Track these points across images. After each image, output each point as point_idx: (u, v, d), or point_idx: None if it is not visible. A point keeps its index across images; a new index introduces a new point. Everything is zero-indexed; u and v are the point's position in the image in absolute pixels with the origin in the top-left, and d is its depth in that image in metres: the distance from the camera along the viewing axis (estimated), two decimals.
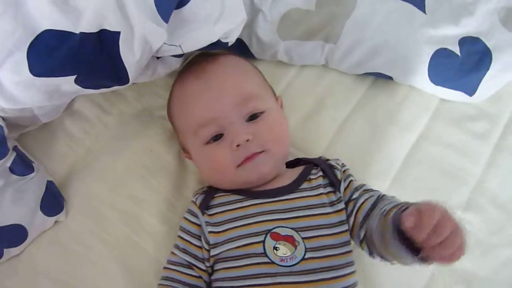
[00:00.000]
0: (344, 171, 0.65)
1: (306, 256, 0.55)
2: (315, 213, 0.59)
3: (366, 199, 0.60)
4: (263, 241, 0.56)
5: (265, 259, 0.55)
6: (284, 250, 0.55)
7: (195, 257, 0.60)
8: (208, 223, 0.60)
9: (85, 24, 0.52)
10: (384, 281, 0.68)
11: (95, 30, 0.53)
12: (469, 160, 0.76)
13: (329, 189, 0.62)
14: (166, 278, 0.60)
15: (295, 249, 0.55)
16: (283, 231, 0.56)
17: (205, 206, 0.62)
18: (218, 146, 0.61)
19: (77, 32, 0.52)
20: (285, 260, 0.54)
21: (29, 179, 0.66)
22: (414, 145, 0.77)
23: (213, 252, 0.58)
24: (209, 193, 0.64)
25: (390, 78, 0.78)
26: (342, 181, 0.62)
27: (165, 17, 0.55)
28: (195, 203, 0.64)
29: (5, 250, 0.65)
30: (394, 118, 0.78)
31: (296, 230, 0.56)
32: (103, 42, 0.54)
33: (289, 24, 0.75)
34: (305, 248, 0.55)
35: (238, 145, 0.60)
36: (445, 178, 0.74)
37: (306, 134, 0.77)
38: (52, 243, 0.68)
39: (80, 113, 0.76)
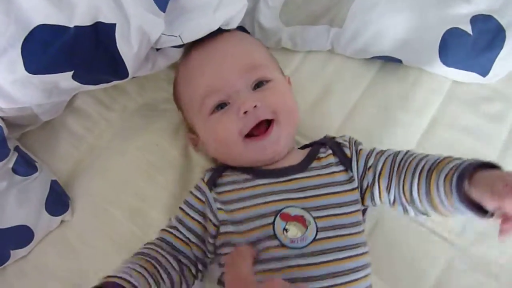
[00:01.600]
0: (352, 145, 0.62)
1: (317, 237, 0.53)
2: (326, 192, 0.57)
3: (384, 163, 0.58)
4: (273, 223, 0.54)
5: (276, 242, 0.53)
6: (294, 231, 0.53)
7: (188, 228, 0.59)
8: (216, 200, 0.59)
9: (79, 17, 0.50)
10: (399, 269, 0.66)
11: (90, 23, 0.51)
12: (484, 143, 0.73)
13: (340, 167, 0.60)
14: (158, 239, 0.58)
15: (306, 229, 0.53)
16: (293, 211, 0.54)
17: (212, 183, 0.60)
18: (223, 115, 0.59)
19: (72, 26, 0.51)
20: (296, 241, 0.53)
21: (33, 179, 0.65)
22: (426, 130, 0.74)
23: (223, 229, 0.57)
24: (218, 170, 0.62)
25: (400, 61, 0.75)
26: (353, 156, 0.60)
27: (162, 6, 0.53)
28: (203, 180, 0.62)
29: (12, 251, 0.64)
30: (405, 103, 0.76)
31: (307, 209, 0.55)
32: (99, 35, 0.52)
33: (292, 9, 0.73)
34: (317, 228, 0.54)
35: (245, 112, 0.57)
36: None
37: (313, 122, 0.75)
38: (59, 243, 0.67)
39: (82, 110, 0.74)
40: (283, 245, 0.53)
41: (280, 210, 0.55)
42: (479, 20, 0.71)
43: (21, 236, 0.64)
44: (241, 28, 0.74)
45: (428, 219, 0.68)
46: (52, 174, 0.69)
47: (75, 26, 0.50)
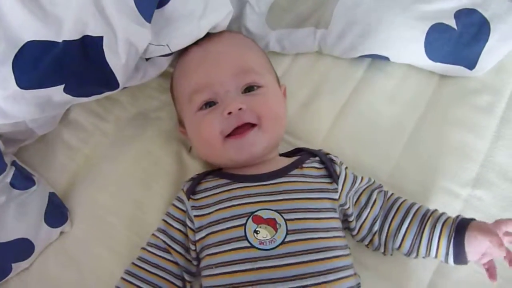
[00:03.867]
0: (341, 164, 0.64)
1: (286, 240, 0.54)
2: (301, 197, 0.58)
3: (376, 196, 0.63)
4: (245, 224, 0.55)
5: (246, 243, 0.54)
6: (264, 233, 0.54)
7: (172, 238, 0.61)
8: (194, 207, 0.60)
9: (67, 32, 0.52)
10: (392, 271, 0.66)
11: (77, 37, 0.53)
12: (475, 135, 0.73)
13: (322, 179, 0.61)
14: (140, 259, 0.61)
15: (276, 232, 0.54)
16: (265, 214, 0.56)
17: (191, 191, 0.62)
18: (209, 113, 0.61)
19: (60, 40, 0.52)
20: (264, 243, 0.54)
21: (31, 193, 0.66)
22: (416, 125, 0.75)
23: (198, 236, 0.58)
24: (196, 179, 0.64)
25: (387, 58, 0.76)
26: (341, 175, 0.62)
27: (147, 17, 0.54)
28: (183, 189, 0.64)
29: (13, 264, 0.65)
30: (394, 99, 0.77)
31: (280, 212, 0.56)
32: (87, 48, 0.54)
33: (278, 13, 0.74)
34: (287, 231, 0.54)
35: (229, 113, 0.59)
36: (452, 156, 0.72)
37: (305, 122, 0.76)
38: (59, 254, 0.68)
39: (77, 123, 0.76)
40: (252, 246, 0.54)
41: (253, 212, 0.56)
42: (463, 14, 0.72)
43: (22, 249, 0.65)
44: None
45: None
46: (50, 186, 0.70)
47: (63, 41, 0.52)
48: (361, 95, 0.77)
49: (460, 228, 0.57)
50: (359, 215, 0.62)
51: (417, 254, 0.60)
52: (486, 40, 0.72)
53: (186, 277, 0.61)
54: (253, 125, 0.60)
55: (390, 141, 0.74)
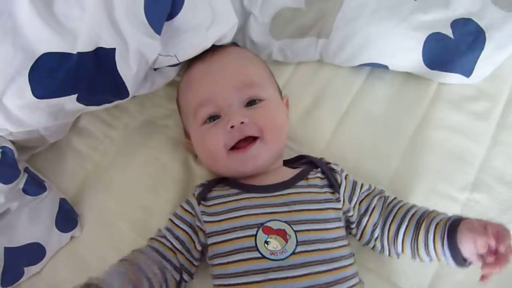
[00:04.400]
0: (341, 173, 0.65)
1: (296, 250, 0.55)
2: (310, 208, 0.59)
3: (376, 202, 0.63)
4: (255, 235, 0.56)
5: (256, 254, 0.55)
6: (274, 243, 0.55)
7: (176, 237, 0.62)
8: (204, 213, 0.61)
9: (82, 44, 0.54)
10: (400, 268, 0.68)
11: (91, 49, 0.54)
12: (472, 140, 0.75)
13: (326, 189, 0.63)
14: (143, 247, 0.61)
15: (286, 242, 0.55)
16: (275, 225, 0.57)
17: (202, 197, 0.63)
18: (213, 127, 0.62)
19: (75, 52, 0.54)
20: (276, 254, 0.55)
21: (43, 198, 0.68)
22: (415, 131, 0.77)
23: (210, 241, 0.59)
24: (208, 185, 0.65)
25: (386, 67, 0.78)
26: (342, 182, 0.63)
27: (157, 29, 0.56)
28: (193, 194, 0.65)
29: (25, 268, 0.66)
30: (393, 106, 0.79)
31: (289, 223, 0.57)
32: (100, 59, 0.55)
33: (280, 24, 0.77)
34: (297, 242, 0.55)
35: (232, 127, 0.60)
36: (450, 161, 0.74)
37: (307, 129, 0.77)
38: (70, 258, 0.70)
39: (86, 130, 0.77)
40: (263, 257, 0.55)
41: (263, 223, 0.57)
42: (459, 23, 0.74)
43: (34, 253, 0.66)
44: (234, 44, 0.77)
45: None
46: (61, 192, 0.72)
47: (78, 53, 0.54)
48: (361, 102, 0.79)
49: (453, 228, 0.55)
50: (359, 222, 0.63)
51: (420, 258, 0.60)
52: (482, 48, 0.74)
53: (184, 276, 0.62)
54: (255, 138, 0.62)
55: (390, 147, 0.76)
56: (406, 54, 0.76)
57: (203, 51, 0.67)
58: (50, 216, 0.68)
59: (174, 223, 0.64)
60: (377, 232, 0.62)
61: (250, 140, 0.62)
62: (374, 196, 0.64)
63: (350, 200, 0.63)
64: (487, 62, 0.75)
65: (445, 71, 0.76)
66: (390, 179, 0.74)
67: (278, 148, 0.65)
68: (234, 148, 0.62)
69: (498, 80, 0.79)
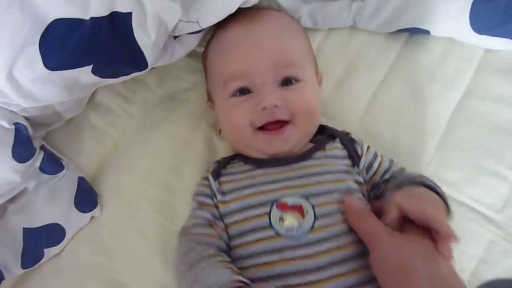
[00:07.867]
0: (362, 144, 0.62)
1: (315, 226, 0.52)
2: (328, 179, 0.57)
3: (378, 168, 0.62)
4: (269, 212, 0.53)
5: (271, 232, 0.53)
6: (290, 220, 0.53)
7: (212, 214, 0.59)
8: (218, 190, 0.60)
9: (95, 8, 0.49)
10: None
11: (105, 14, 0.50)
12: None
13: (346, 160, 0.60)
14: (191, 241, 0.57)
15: (303, 218, 0.53)
16: (290, 200, 0.54)
17: (217, 173, 0.61)
18: (242, 103, 0.59)
19: (88, 18, 0.49)
20: (292, 230, 0.52)
21: (61, 177, 0.65)
22: (460, 102, 0.70)
23: (225, 221, 0.57)
24: (222, 162, 0.64)
25: (427, 32, 0.71)
26: (363, 155, 0.60)
27: None
28: (208, 170, 0.63)
29: (45, 249, 0.64)
30: (435, 76, 0.72)
31: (306, 196, 0.54)
32: (116, 25, 0.51)
33: None
34: (315, 216, 0.53)
35: (263, 108, 0.57)
36: (498, 135, 0.68)
37: (339, 102, 0.72)
38: (90, 240, 0.67)
39: (104, 105, 0.74)
40: (278, 235, 0.52)
41: (277, 199, 0.54)
42: None
43: (53, 234, 0.64)
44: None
45: (468, 197, 0.66)
46: (79, 171, 0.69)
47: (91, 18, 0.49)
48: (399, 72, 0.73)
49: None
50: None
51: None
52: None
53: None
54: (285, 122, 0.58)
55: (431, 121, 0.70)
56: (451, 17, 0.68)
57: (242, 12, 0.61)
58: (69, 196, 0.65)
59: (201, 202, 0.61)
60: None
61: (279, 123, 0.58)
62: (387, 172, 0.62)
63: (367, 172, 0.61)
64: None
65: (494, 35, 0.69)
66: (430, 156, 0.68)
67: (308, 132, 0.62)
68: (262, 128, 0.58)
69: None
